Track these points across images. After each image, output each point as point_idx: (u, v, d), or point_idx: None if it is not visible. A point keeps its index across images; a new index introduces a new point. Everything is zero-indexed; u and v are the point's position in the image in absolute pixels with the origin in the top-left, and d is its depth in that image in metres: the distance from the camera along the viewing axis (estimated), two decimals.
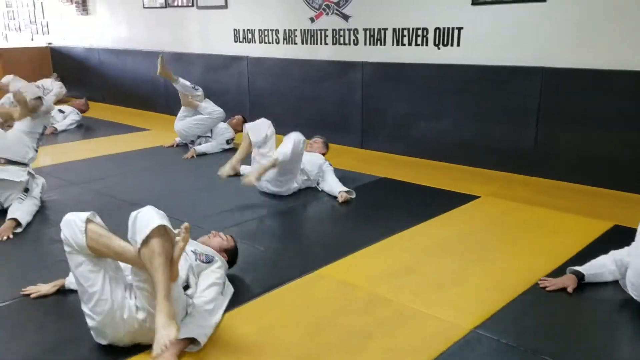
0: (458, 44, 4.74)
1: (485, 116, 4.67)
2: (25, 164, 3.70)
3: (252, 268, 2.83)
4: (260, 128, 4.06)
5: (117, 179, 4.56)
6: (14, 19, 10.73)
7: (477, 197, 3.97)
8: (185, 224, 2.04)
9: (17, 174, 3.59)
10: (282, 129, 4.26)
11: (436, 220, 3.53)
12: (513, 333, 2.23)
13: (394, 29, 5.10)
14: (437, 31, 4.83)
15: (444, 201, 3.88)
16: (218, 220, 3.53)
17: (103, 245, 2.01)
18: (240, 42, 6.55)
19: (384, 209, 3.80)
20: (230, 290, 2.52)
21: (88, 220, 2.04)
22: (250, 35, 6.42)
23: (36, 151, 3.80)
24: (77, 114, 6.87)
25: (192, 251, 2.48)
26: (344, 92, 5.61)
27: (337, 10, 5.47)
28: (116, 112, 7.92)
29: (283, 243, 3.28)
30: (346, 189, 3.96)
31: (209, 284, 2.39)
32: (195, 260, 2.44)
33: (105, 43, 8.55)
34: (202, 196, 4.13)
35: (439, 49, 4.86)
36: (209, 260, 2.49)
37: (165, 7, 7.32)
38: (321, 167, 4.19)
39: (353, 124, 5.59)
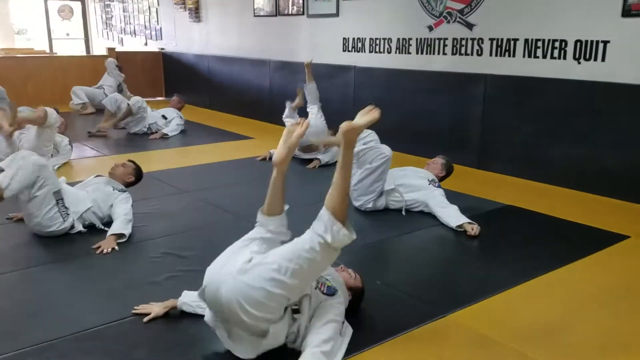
0: (603, 59, 4.16)
1: (634, 142, 4.06)
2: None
3: (370, 305, 2.50)
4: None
5: (225, 189, 4.46)
6: (130, 23, 11.30)
7: (627, 237, 3.40)
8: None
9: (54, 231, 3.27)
10: (388, 144, 3.91)
11: (583, 262, 3.03)
12: None
13: (526, 40, 4.60)
14: (578, 44, 4.28)
15: (588, 239, 3.36)
16: None
17: None
18: (349, 51, 6.32)
19: (516, 244, 3.33)
20: (349, 330, 2.22)
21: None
22: (360, 44, 6.16)
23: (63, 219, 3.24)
24: (180, 117, 6.93)
25: None
26: (461, 107, 5.18)
27: (460, 18, 5.06)
28: (222, 118, 7.99)
29: (400, 277, 2.93)
30: (468, 219, 3.53)
31: (327, 320, 2.10)
32: (315, 287, 2.17)
33: (214, 50, 8.69)
34: (310, 213, 3.88)
35: (579, 63, 4.30)
36: (330, 293, 2.20)
37: (276, 15, 7.27)
38: (427, 188, 3.78)
39: (470, 142, 5.14)
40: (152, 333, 2.28)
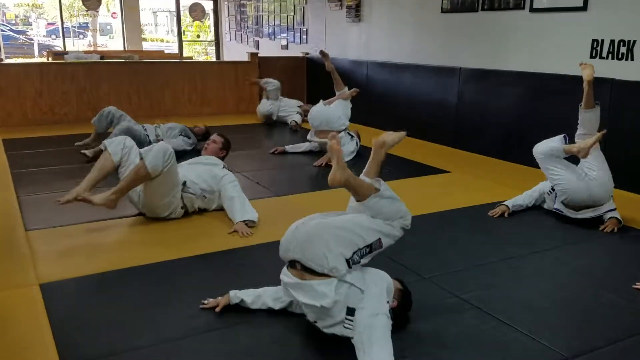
0: None
1: None
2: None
3: None
4: None
5: (503, 291, 2.88)
6: (268, 25, 10.15)
7: None
8: None
9: (316, 296, 2.08)
10: None
11: None
12: None
13: None
14: None
15: None
16: None
17: None
18: (601, 57, 4.54)
19: None
20: None
21: None
22: (624, 49, 4.36)
23: (350, 261, 2.13)
24: (357, 143, 5.51)
25: None
26: None
27: None
28: None
29: None
30: None
31: None
32: None
33: (377, 55, 7.22)
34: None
35: None
36: None
37: (477, 10, 5.63)
38: None
39: None
40: None
